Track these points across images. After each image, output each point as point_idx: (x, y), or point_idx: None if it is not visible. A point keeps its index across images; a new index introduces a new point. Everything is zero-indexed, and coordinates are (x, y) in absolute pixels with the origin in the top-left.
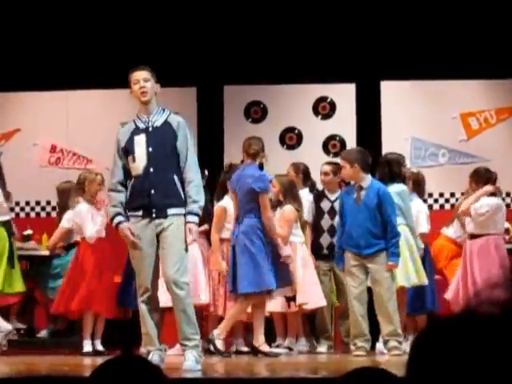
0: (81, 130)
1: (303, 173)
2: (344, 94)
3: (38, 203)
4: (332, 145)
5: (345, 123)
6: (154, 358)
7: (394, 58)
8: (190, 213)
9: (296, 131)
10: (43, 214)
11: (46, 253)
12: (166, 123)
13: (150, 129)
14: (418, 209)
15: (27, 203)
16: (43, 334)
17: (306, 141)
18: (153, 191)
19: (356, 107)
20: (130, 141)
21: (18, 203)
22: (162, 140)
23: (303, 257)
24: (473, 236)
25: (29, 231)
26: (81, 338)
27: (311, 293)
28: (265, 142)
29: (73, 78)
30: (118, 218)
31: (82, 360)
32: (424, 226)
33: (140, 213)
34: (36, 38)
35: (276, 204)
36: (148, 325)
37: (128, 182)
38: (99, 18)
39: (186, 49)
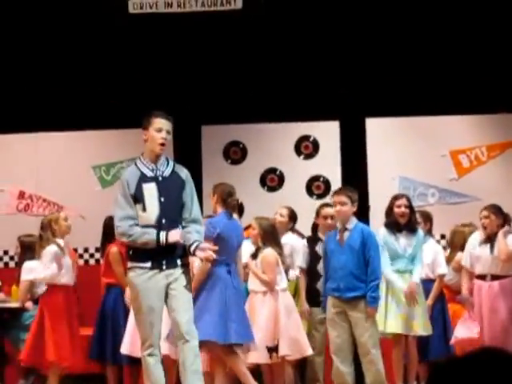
0: (50, 174)
1: (293, 218)
2: (327, 133)
3: (5, 253)
4: (316, 186)
5: (329, 163)
6: None
7: (379, 94)
8: (198, 240)
9: (277, 172)
10: (12, 264)
11: (16, 305)
12: (175, 173)
13: (160, 178)
14: (436, 249)
15: None
16: None
17: (288, 182)
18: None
19: (340, 146)
20: (139, 188)
21: None
22: (173, 190)
23: (286, 304)
24: (494, 277)
25: None
26: None
27: (295, 342)
28: (245, 184)
29: (41, 120)
30: (163, 233)
31: None
32: (444, 267)
33: (148, 264)
34: (0, 81)
35: (256, 249)
36: (154, 378)
37: None
38: (66, 61)
39: (161, 88)
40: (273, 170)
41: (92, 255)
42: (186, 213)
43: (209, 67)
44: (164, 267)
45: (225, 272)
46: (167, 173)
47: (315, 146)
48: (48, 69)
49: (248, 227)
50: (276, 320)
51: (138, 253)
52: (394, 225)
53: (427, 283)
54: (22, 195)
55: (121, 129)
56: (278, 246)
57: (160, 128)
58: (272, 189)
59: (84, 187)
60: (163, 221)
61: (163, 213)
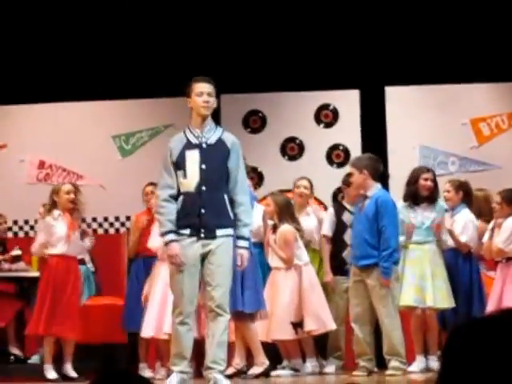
0: (70, 144)
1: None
2: (347, 101)
3: (26, 222)
4: (336, 155)
5: (349, 132)
6: (172, 379)
7: (399, 62)
8: (242, 237)
9: (297, 141)
10: (32, 234)
11: (37, 274)
12: (220, 141)
13: (204, 145)
14: (467, 218)
15: (15, 222)
16: (35, 359)
17: (308, 151)
18: (203, 210)
19: (360, 114)
20: (182, 155)
21: (4, 222)
22: (216, 158)
23: (310, 279)
24: (509, 259)
25: (17, 252)
26: (42, 363)
27: (320, 317)
28: (265, 153)
29: (61, 90)
30: (171, 236)
31: None
32: (468, 236)
33: (187, 231)
34: (21, 50)
35: (273, 225)
36: (182, 345)
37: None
38: (84, 31)
39: (180, 58)
40: (292, 139)
41: (112, 224)
42: (232, 182)
43: (229, 36)
44: (202, 235)
45: None
46: (212, 140)
47: (335, 115)
48: (68, 39)
49: (264, 199)
50: (300, 295)
51: (178, 220)
52: (414, 197)
53: (454, 253)
54: (42, 165)
55: (140, 99)
56: (294, 221)
57: (200, 92)
58: (292, 158)
59: (104, 157)
60: (203, 188)
61: (203, 180)
